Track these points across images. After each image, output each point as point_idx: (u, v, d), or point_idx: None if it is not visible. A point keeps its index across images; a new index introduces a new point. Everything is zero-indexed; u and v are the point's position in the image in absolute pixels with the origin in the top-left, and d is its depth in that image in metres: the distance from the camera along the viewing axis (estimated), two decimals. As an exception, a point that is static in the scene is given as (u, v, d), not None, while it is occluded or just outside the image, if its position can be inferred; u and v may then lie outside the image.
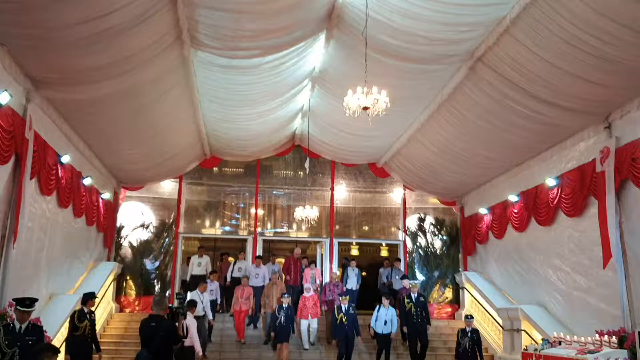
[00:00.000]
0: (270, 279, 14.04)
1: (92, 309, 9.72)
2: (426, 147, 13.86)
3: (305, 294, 13.50)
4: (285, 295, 12.57)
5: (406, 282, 13.85)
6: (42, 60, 8.26)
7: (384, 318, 12.48)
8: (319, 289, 14.77)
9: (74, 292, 11.66)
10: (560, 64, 8.63)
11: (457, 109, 11.49)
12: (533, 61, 8.88)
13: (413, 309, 12.50)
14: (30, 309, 7.04)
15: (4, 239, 8.41)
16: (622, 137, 9.42)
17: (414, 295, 12.70)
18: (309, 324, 13.29)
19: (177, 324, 6.86)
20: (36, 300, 7.26)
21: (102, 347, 12.36)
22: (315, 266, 15.72)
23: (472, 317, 11.94)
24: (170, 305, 6.99)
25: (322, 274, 16.19)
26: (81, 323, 9.14)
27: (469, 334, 11.31)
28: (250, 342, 13.60)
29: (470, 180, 15.01)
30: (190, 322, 9.68)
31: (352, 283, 15.10)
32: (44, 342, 6.99)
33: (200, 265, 14.75)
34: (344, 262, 16.98)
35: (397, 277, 15.09)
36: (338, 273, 14.57)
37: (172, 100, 11.33)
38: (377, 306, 12.76)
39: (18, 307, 7.02)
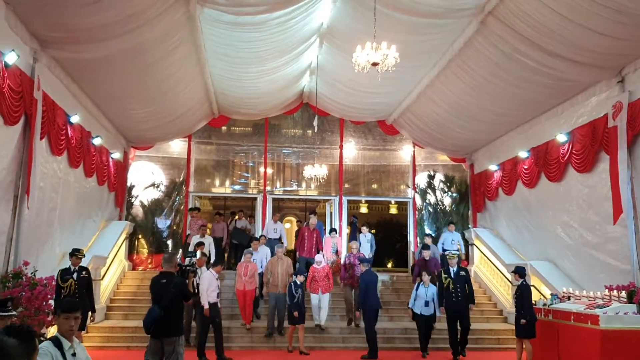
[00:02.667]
0: (274, 254, 12.23)
1: (90, 266, 9.54)
2: (436, 104, 13.73)
3: (315, 265, 11.90)
4: (304, 275, 11.28)
5: (426, 253, 12.40)
6: (47, 19, 8.19)
7: (424, 298, 10.74)
8: (341, 261, 13.53)
9: (86, 251, 11.83)
10: (573, 17, 8.43)
11: (468, 64, 11.33)
12: (545, 14, 8.68)
13: (452, 286, 10.61)
14: (10, 314, 5.31)
15: (17, 199, 8.51)
16: (636, 91, 9.30)
17: (452, 270, 10.78)
18: (319, 300, 11.71)
19: (187, 281, 6.95)
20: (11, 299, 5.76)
21: (115, 305, 12.76)
22: (336, 233, 14.38)
23: (518, 269, 10.07)
24: (180, 262, 7.06)
25: (342, 242, 15.31)
26: (64, 282, 8.65)
27: (515, 292, 9.94)
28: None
29: (480, 137, 14.91)
30: (205, 277, 9.87)
31: (365, 251, 13.79)
32: None
33: None
34: (352, 219, 17.06)
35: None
36: (354, 246, 12.84)
37: (179, 59, 11.24)
38: (416, 284, 11.12)
39: None
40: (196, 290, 9.74)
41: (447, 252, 11.56)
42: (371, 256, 13.76)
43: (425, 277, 10.89)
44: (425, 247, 12.82)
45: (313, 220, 14.38)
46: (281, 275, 11.53)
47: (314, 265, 11.96)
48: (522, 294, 9.55)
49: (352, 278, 12.05)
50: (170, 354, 6.36)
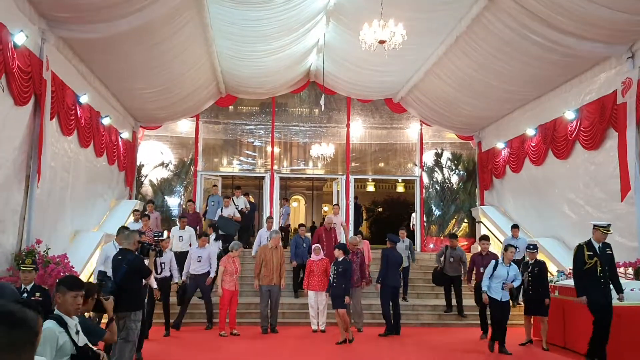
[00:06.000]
0: (268, 240, 11.06)
1: (102, 244, 9.15)
2: (443, 81, 13.69)
3: (313, 256, 10.60)
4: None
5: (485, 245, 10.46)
6: (54, -1, 8.20)
7: (504, 278, 8.78)
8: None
9: (98, 229, 12.00)
10: (583, -8, 8.36)
11: (475, 41, 11.26)
12: (555, -11, 8.61)
13: (599, 268, 7.72)
14: None
15: (29, 179, 8.62)
16: (646, 68, 9.23)
17: (597, 245, 7.86)
18: (316, 300, 10.58)
19: (147, 259, 6.95)
20: None
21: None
22: (362, 237, 12.57)
23: (535, 247, 9.64)
24: (140, 240, 7.06)
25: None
26: None
27: (530, 268, 9.38)
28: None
29: (488, 114, 14.88)
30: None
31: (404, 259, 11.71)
32: None
33: (182, 240, 12.08)
34: (355, 201, 17.10)
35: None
36: (337, 221, 12.00)
37: (186, 38, 11.24)
38: (494, 262, 9.08)
39: None
40: (161, 270, 9.82)
41: (596, 224, 8.08)
42: (408, 265, 12.49)
43: (509, 254, 8.97)
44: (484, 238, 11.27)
45: (330, 218, 13.18)
46: (275, 266, 10.43)
47: (311, 257, 10.70)
48: (542, 271, 9.33)
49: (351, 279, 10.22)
50: (121, 328, 6.31)
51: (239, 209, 14.45)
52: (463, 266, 11.78)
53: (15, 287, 4.22)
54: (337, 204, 15.71)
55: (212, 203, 14.72)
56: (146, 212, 13.03)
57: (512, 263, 8.94)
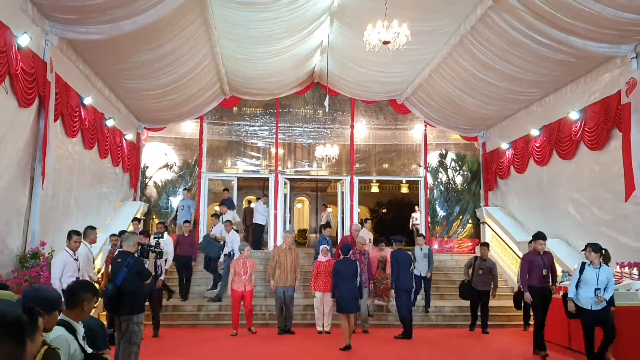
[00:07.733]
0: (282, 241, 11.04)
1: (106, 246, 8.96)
2: (448, 82, 13.66)
3: (320, 257, 10.50)
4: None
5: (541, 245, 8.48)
6: (58, 0, 8.21)
7: (594, 284, 7.39)
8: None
9: (102, 231, 11.99)
10: (587, -8, 8.32)
11: (480, 41, 11.23)
12: (559, -11, 8.58)
13: None
14: None
15: (33, 181, 8.64)
16: (650, 68, 9.19)
17: None
18: (321, 302, 10.51)
19: (147, 261, 6.93)
20: None
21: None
22: (386, 245, 11.79)
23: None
24: (140, 242, 7.02)
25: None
26: None
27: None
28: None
29: (492, 115, 14.84)
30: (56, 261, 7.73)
31: (422, 268, 11.76)
32: None
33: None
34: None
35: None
36: (366, 237, 11.25)
37: (189, 39, 11.25)
38: (580, 264, 7.91)
39: None
40: (161, 271, 9.87)
41: None
42: (429, 275, 11.93)
43: (592, 255, 7.49)
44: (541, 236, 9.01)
45: (358, 225, 12.74)
46: (290, 267, 10.44)
47: (319, 258, 10.56)
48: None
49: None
50: (125, 331, 6.32)
51: None
52: (493, 280, 10.98)
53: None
54: (325, 204, 15.59)
55: (182, 207, 14.81)
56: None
57: (602, 264, 7.51)
